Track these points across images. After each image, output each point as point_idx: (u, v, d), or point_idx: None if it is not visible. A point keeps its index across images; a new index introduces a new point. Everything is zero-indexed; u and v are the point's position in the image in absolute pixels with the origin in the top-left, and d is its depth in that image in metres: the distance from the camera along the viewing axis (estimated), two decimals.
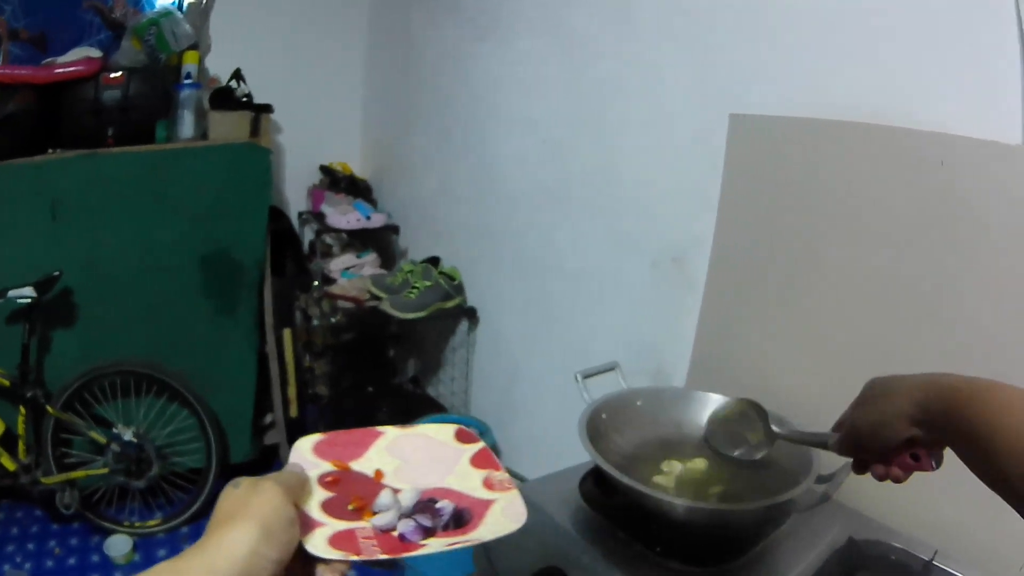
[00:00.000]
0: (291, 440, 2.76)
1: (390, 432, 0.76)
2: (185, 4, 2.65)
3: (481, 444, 0.76)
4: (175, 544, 2.43)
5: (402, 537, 0.62)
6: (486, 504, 0.67)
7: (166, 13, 2.50)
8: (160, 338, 2.47)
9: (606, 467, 1.07)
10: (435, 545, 0.61)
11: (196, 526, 2.46)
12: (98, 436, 2.31)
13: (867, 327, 1.32)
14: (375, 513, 0.64)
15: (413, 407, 2.79)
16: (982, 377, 0.65)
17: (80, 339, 2.36)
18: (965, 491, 0.74)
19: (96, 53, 2.41)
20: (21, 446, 2.23)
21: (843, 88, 1.35)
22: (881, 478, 0.77)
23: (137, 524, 2.44)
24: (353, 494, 0.66)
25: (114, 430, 2.35)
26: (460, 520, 0.64)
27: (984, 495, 0.60)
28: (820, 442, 0.87)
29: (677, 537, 1.08)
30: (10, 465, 2.21)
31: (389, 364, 3.01)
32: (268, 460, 2.79)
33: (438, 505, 0.66)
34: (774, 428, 1.09)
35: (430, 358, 2.99)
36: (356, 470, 0.71)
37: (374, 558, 0.58)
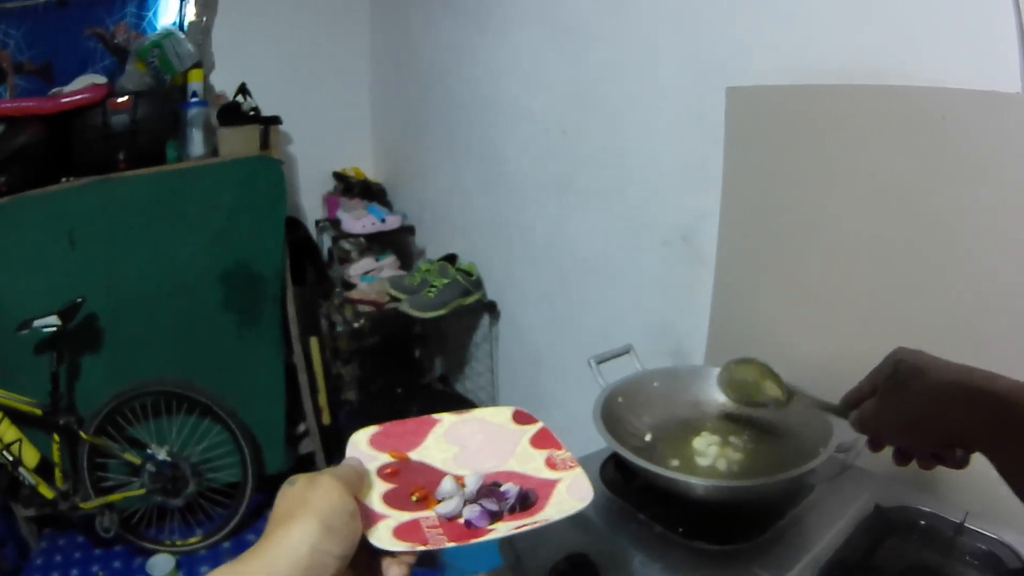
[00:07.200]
0: (326, 448, 2.79)
1: (446, 419, 0.76)
2: (186, 23, 2.68)
3: (540, 424, 0.75)
4: (217, 560, 2.43)
5: (468, 523, 0.61)
6: (551, 484, 0.66)
7: (167, 34, 2.52)
8: (187, 356, 2.48)
9: (621, 450, 1.04)
10: (503, 529, 0.60)
11: (237, 540, 2.46)
12: (133, 458, 2.33)
13: (877, 288, 1.29)
14: (439, 502, 0.64)
15: (442, 405, 2.74)
16: None
17: (108, 363, 2.38)
18: None
19: (101, 79, 2.43)
20: (58, 473, 2.26)
21: (838, 50, 1.32)
22: (900, 465, 0.75)
23: (178, 542, 2.45)
24: (414, 484, 0.65)
25: (148, 451, 2.37)
26: (526, 502, 0.64)
27: None
28: (839, 412, 0.84)
29: (698, 517, 1.05)
30: (48, 493, 2.24)
31: (416, 364, 3.01)
32: (304, 470, 2.76)
33: (503, 488, 0.65)
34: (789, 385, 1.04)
35: (456, 355, 2.98)
36: (415, 460, 0.70)
37: (441, 547, 0.57)
